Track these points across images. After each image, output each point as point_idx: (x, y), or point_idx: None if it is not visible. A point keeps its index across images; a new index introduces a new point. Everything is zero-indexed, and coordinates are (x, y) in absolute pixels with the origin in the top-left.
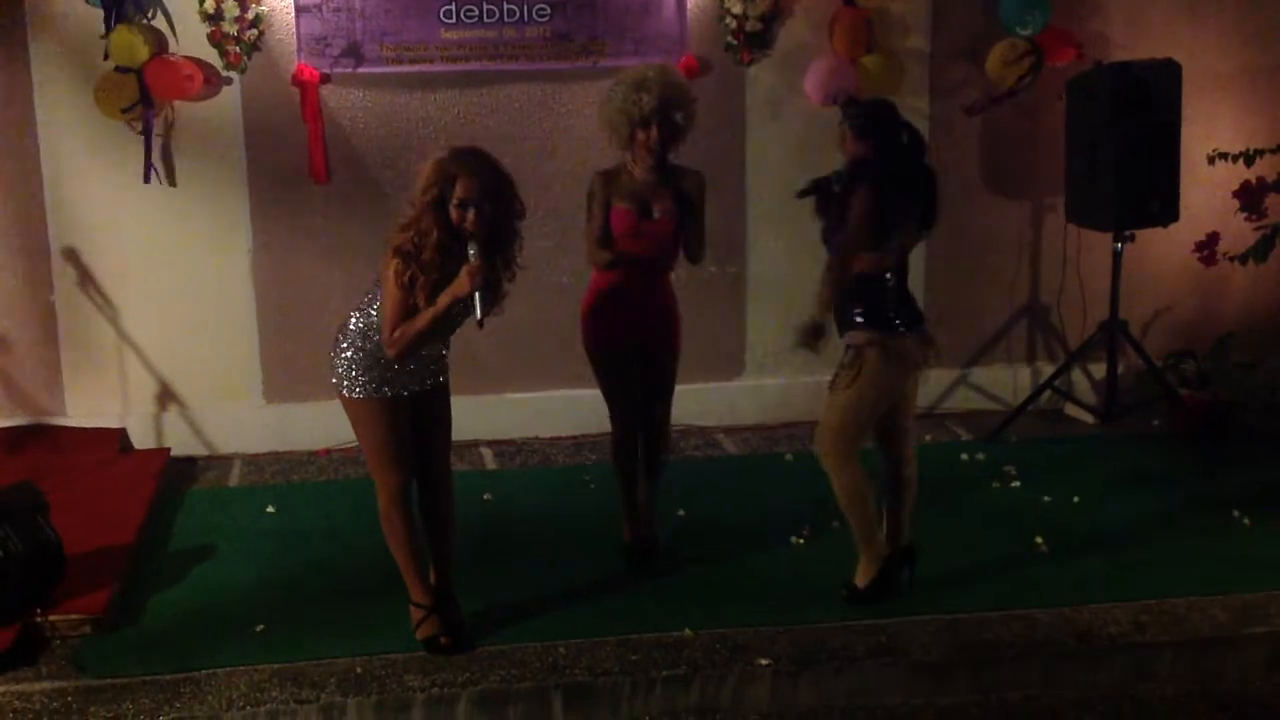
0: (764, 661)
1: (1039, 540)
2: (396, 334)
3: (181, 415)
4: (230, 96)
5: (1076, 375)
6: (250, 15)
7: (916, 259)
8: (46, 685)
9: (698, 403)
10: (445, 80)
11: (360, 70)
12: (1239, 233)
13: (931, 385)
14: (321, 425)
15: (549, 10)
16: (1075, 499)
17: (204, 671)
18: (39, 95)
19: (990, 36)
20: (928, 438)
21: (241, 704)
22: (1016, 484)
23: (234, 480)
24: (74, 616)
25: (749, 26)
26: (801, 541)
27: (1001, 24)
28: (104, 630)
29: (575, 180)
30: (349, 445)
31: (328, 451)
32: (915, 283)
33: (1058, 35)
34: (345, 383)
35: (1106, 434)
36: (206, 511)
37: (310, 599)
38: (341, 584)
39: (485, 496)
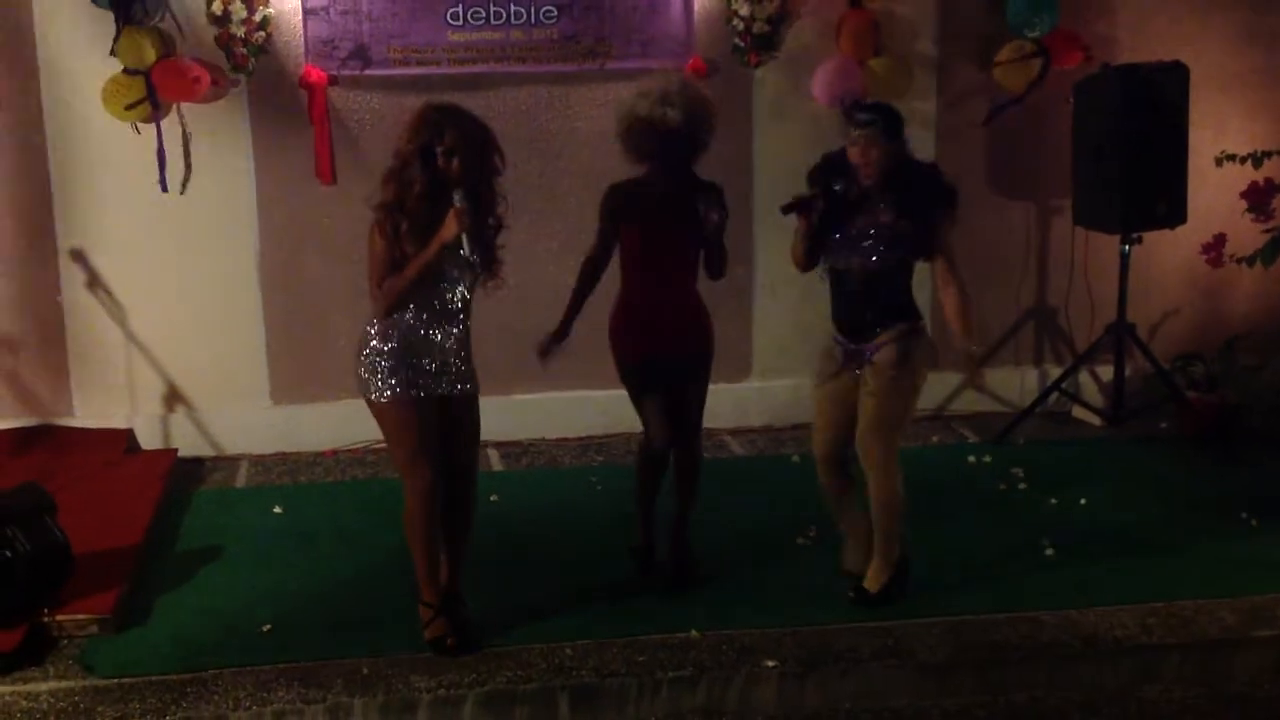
0: (770, 663)
1: (1046, 542)
2: (386, 284)
3: (188, 416)
4: (238, 98)
5: (1084, 378)
6: (258, 18)
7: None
8: (54, 685)
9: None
10: (452, 82)
11: (367, 72)
12: (1247, 235)
13: (939, 387)
14: (328, 426)
15: (556, 12)
16: (1082, 501)
17: (211, 671)
18: (46, 96)
19: (998, 38)
20: (934, 440)
21: (248, 704)
22: (1023, 486)
23: (241, 481)
24: (81, 617)
25: (756, 29)
26: (808, 543)
27: (1009, 26)
28: (111, 630)
29: (582, 181)
30: (356, 446)
31: (335, 452)
32: (921, 284)
33: (1065, 37)
34: (371, 386)
35: (1114, 436)
36: (213, 512)
37: (317, 599)
38: (348, 585)
39: (492, 498)
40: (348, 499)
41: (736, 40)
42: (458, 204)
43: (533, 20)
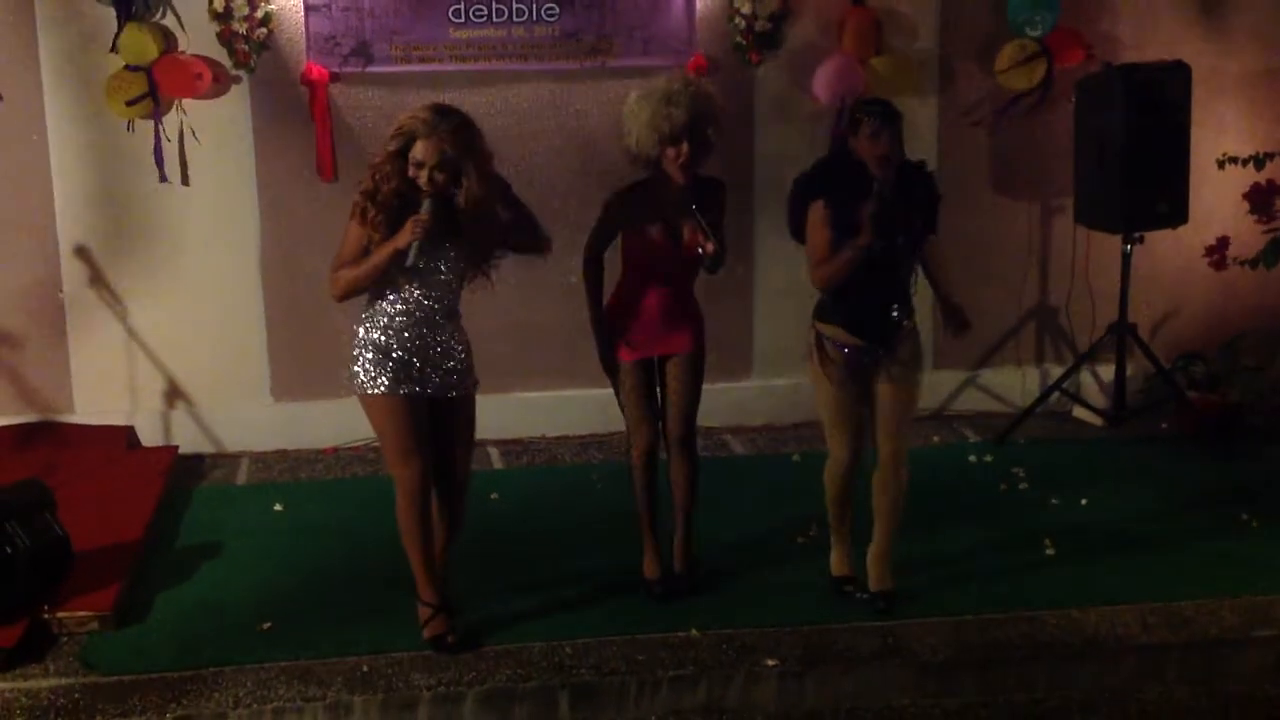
0: (771, 662)
1: (1046, 542)
2: (340, 273)
3: (189, 413)
4: (239, 95)
5: (1085, 377)
6: (259, 14)
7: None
8: (54, 682)
9: (705, 403)
10: (454, 80)
11: (369, 69)
12: (1249, 235)
13: (940, 387)
14: (329, 423)
15: (558, 10)
16: (1083, 501)
17: (211, 669)
18: (49, 93)
19: (999, 37)
20: (935, 439)
21: (248, 701)
22: (1024, 486)
23: (241, 478)
24: (81, 613)
25: (758, 26)
26: (808, 543)
27: (1010, 25)
28: (111, 627)
29: (584, 179)
30: (356, 444)
31: (335, 450)
32: (922, 284)
33: (1067, 36)
34: (361, 380)
35: (1115, 436)
36: (214, 509)
37: (317, 597)
38: (348, 582)
39: (492, 496)
40: (348, 496)
41: (738, 38)
42: (422, 213)
43: (534, 17)
